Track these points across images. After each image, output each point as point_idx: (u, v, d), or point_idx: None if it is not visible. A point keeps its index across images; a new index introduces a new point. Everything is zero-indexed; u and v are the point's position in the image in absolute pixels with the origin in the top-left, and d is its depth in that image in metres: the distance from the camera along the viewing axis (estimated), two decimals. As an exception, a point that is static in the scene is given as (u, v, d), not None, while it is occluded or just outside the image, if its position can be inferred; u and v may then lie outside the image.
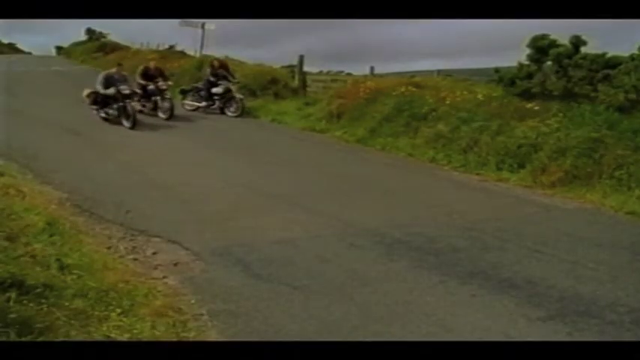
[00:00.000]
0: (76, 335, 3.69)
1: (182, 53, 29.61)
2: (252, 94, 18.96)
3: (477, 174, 10.67)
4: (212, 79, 17.46)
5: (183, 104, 17.52)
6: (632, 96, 10.47)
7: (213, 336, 4.32)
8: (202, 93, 17.55)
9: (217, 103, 17.25)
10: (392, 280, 5.62)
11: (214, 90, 17.22)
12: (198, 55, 26.45)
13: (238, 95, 17.16)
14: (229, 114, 16.98)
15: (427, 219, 7.74)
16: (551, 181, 9.68)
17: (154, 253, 6.11)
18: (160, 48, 31.84)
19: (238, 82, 17.83)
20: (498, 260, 6.27)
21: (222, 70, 17.78)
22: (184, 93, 17.99)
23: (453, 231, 7.24)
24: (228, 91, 17.10)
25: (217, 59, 18.90)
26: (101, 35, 42.81)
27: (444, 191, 9.55)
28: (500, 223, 7.64)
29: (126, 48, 37.19)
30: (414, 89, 14.21)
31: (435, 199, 8.82)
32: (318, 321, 4.71)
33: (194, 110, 17.51)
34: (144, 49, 33.37)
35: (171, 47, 31.19)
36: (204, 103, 17.47)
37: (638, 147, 9.43)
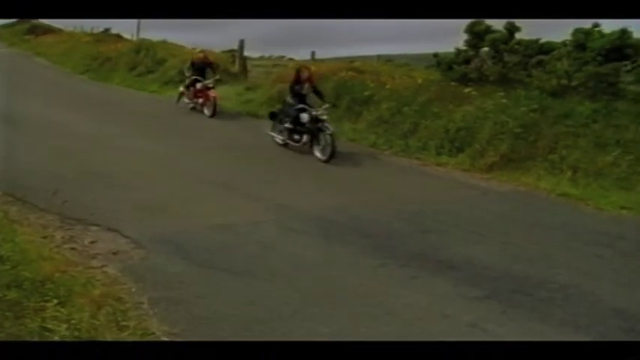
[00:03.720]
0: (10, 327, 3.60)
1: (118, 37, 28.86)
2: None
3: (417, 158, 10.84)
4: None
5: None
6: (564, 81, 10.82)
7: (154, 324, 4.27)
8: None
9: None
10: (332, 264, 5.67)
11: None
12: (135, 38, 25.84)
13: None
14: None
15: (368, 203, 7.83)
16: (488, 164, 9.95)
17: (92, 242, 5.98)
18: (95, 31, 30.93)
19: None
20: (437, 242, 6.42)
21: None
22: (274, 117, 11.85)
23: (394, 215, 7.34)
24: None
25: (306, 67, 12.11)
26: (32, 17, 41.11)
27: (385, 176, 9.67)
28: (440, 207, 7.80)
29: (58, 31, 35.96)
30: (354, 74, 14.30)
31: (376, 184, 8.93)
32: (260, 306, 4.72)
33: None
34: (78, 32, 32.35)
35: (106, 30, 30.35)
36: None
37: (569, 131, 9.79)
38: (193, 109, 15.19)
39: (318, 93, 11.36)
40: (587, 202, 8.36)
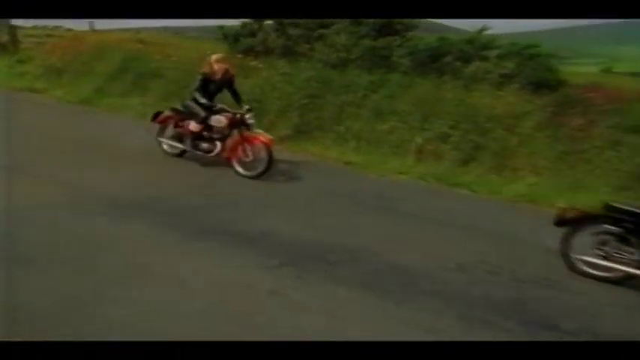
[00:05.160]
0: None
1: None
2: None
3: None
4: None
5: None
6: (343, 54, 11.48)
7: None
8: None
9: None
10: (130, 244, 5.53)
11: None
12: None
13: None
14: None
15: (161, 180, 7.71)
16: (280, 136, 10.26)
17: None
18: None
19: None
20: (234, 216, 6.54)
21: None
22: None
23: (189, 190, 7.32)
24: None
25: None
26: None
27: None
28: (234, 179, 7.93)
29: None
30: (140, 46, 13.81)
31: (168, 160, 8.76)
32: (54, 293, 4.48)
33: None
34: None
35: None
36: None
37: (351, 102, 10.45)
38: (180, 155, 8.80)
39: None
40: (369, 169, 9.05)
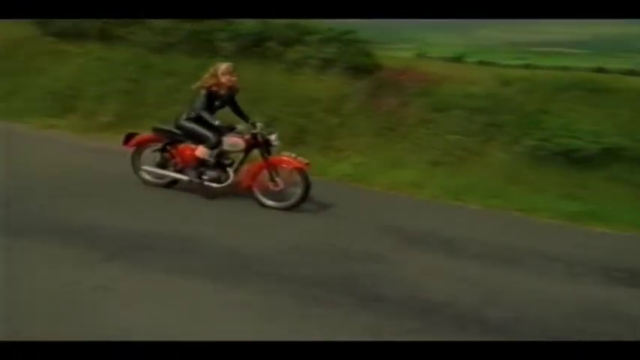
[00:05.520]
0: None
1: None
2: None
3: (24, 122, 10.00)
4: None
5: None
6: (164, 38, 11.19)
7: None
8: None
9: None
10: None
11: None
12: None
13: None
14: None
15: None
16: (102, 125, 9.80)
17: None
18: None
19: None
20: (54, 210, 6.19)
21: None
22: None
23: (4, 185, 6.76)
24: None
25: None
26: None
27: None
28: (55, 171, 7.45)
29: None
30: None
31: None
32: None
33: None
34: None
35: None
36: None
37: (178, 87, 10.20)
38: (168, 186, 7.31)
39: None
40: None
